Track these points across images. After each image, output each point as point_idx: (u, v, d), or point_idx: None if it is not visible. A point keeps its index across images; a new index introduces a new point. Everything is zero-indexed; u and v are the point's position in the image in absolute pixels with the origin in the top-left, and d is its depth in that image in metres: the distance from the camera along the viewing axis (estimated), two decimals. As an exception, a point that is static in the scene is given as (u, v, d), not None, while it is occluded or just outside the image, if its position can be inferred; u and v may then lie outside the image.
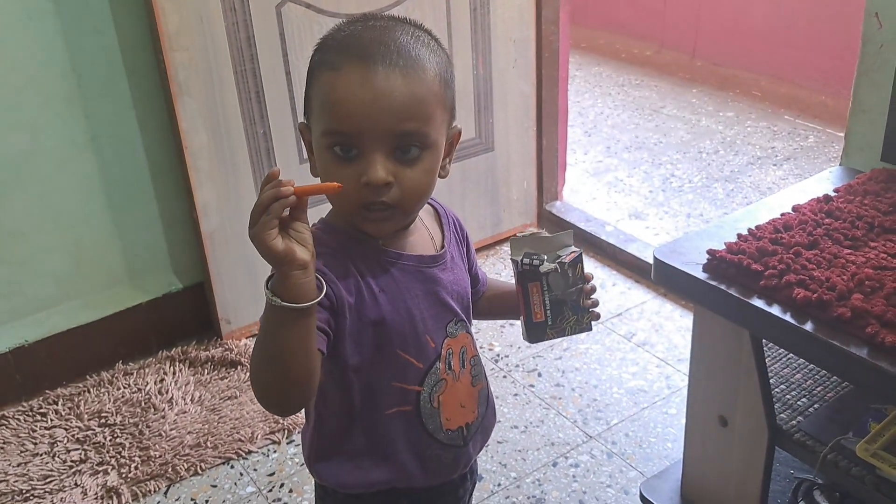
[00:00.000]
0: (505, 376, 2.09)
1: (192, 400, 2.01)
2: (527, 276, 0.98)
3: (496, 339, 2.22)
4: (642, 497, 1.59)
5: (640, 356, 2.15)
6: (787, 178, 3.05)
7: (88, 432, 1.92)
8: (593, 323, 1.03)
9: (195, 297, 2.23)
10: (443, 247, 1.01)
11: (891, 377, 1.06)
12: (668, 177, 3.11)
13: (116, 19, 1.94)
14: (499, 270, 2.50)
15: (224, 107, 2.01)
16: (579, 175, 3.13)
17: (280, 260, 0.79)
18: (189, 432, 1.92)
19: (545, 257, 0.98)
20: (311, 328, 0.84)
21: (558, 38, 2.54)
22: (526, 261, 0.98)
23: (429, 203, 1.04)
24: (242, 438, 1.90)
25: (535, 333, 1.01)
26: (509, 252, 1.00)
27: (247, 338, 2.24)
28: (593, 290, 1.03)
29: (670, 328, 2.24)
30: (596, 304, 1.03)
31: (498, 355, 2.16)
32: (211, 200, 2.06)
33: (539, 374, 2.09)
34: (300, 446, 1.86)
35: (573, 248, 1.00)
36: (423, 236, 1.00)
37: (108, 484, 1.79)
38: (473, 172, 2.49)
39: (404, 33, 0.88)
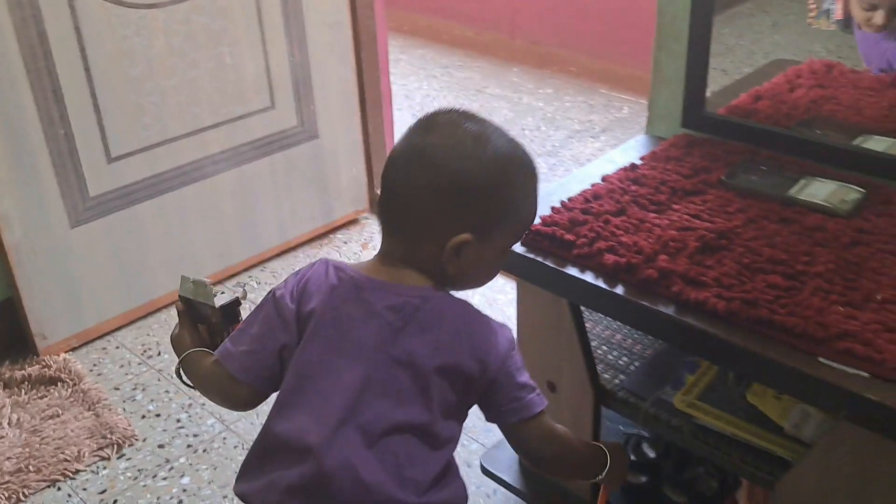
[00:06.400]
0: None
1: (9, 423, 1.87)
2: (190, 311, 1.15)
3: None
4: (483, 468, 1.62)
5: (477, 332, 2.18)
6: (604, 149, 3.18)
7: None
8: None
9: (5, 313, 2.07)
10: None
11: (696, 332, 1.13)
12: (495, 154, 3.16)
13: None
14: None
15: (19, 109, 1.87)
16: (408, 158, 3.13)
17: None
18: (7, 458, 1.78)
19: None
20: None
21: (374, 22, 2.53)
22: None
23: None
24: (68, 458, 1.79)
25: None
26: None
27: (65, 352, 2.10)
28: None
29: (503, 301, 2.29)
30: None
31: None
32: (11, 211, 1.92)
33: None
34: (130, 460, 1.79)
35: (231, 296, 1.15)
36: None
37: (-83, 525, 1.65)
38: (299, 161, 2.44)
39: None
